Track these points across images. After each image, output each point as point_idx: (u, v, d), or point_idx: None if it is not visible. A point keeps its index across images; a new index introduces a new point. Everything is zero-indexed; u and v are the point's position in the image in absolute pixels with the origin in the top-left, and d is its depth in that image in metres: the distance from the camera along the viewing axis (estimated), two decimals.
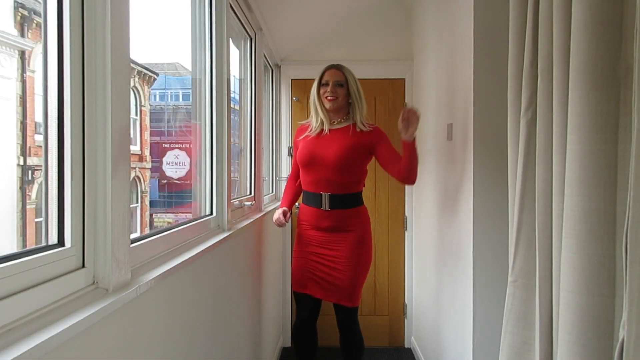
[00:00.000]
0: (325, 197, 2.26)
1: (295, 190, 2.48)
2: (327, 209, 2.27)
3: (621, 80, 1.02)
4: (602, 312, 1.04)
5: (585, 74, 1.04)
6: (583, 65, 1.05)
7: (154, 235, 1.25)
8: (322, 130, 2.30)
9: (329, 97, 2.24)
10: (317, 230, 2.31)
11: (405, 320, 3.55)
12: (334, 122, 2.32)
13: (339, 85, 2.26)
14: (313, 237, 2.33)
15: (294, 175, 2.50)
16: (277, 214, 2.35)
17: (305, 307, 2.38)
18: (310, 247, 2.34)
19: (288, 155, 3.53)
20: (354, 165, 2.26)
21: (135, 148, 3.22)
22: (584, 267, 1.05)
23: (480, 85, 2.00)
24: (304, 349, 2.47)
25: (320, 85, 2.29)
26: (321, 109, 2.28)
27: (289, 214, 2.39)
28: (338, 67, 2.29)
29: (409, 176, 2.18)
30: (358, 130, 2.26)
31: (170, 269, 1.14)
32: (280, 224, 2.35)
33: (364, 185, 2.39)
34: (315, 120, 2.32)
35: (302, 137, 2.38)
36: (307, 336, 2.44)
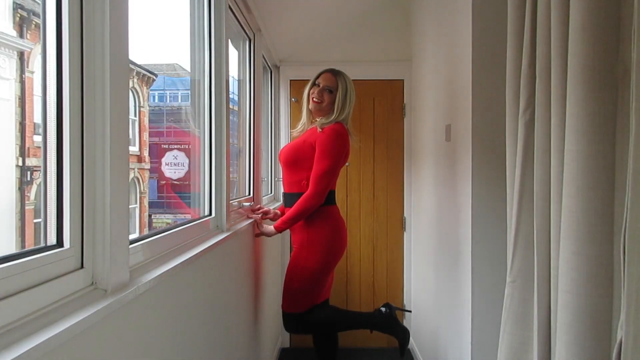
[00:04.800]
0: (283, 195, 2.35)
1: None
2: (285, 206, 2.35)
3: (619, 82, 1.02)
4: (600, 312, 1.04)
5: (583, 75, 1.05)
6: (581, 67, 1.05)
7: (153, 236, 1.25)
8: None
9: (314, 99, 2.25)
10: None
11: (404, 321, 3.55)
12: (314, 122, 2.31)
13: (329, 91, 2.24)
14: None
15: None
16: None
17: None
18: None
19: None
20: (301, 162, 2.20)
21: (134, 149, 3.22)
22: (582, 267, 1.06)
23: (478, 86, 2.01)
24: (320, 351, 2.43)
25: (312, 85, 2.31)
26: (306, 109, 2.32)
27: (269, 214, 2.42)
28: (334, 73, 2.27)
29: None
30: (319, 131, 2.19)
31: (169, 269, 1.14)
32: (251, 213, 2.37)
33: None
34: (301, 119, 2.36)
35: None
36: (318, 338, 2.42)
